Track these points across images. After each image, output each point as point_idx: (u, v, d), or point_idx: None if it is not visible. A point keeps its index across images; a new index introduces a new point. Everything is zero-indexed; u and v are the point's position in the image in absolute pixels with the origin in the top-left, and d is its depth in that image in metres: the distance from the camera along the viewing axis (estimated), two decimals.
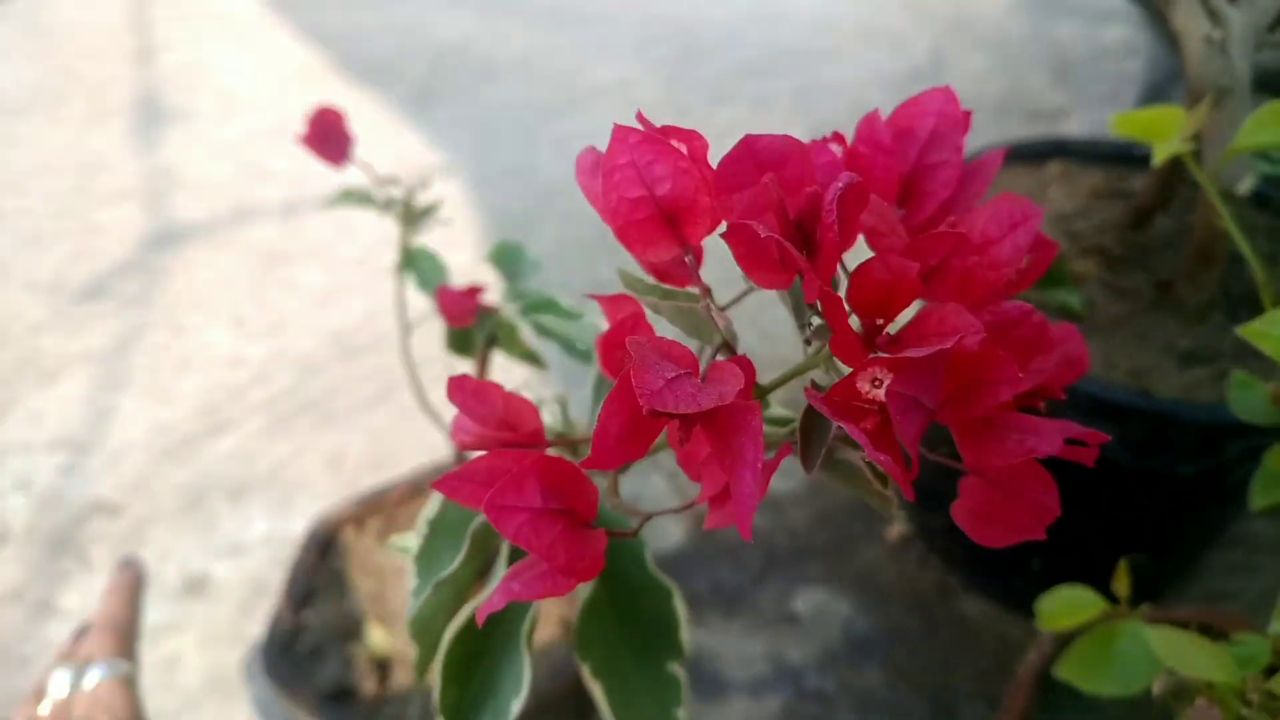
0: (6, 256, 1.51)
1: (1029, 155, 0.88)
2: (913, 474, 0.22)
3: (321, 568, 0.88)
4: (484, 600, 0.27)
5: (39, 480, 1.13)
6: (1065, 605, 0.52)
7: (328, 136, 0.62)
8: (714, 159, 0.26)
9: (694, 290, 0.28)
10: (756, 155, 0.25)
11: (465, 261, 1.12)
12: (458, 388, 0.29)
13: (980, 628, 0.91)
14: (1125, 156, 0.86)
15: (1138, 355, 0.73)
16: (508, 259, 0.60)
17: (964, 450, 0.24)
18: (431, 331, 0.66)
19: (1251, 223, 0.79)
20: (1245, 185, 0.69)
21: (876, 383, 0.22)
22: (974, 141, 0.29)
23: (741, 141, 0.26)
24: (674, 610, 0.46)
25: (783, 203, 0.24)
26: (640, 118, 0.27)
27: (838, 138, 0.27)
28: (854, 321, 0.23)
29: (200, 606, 0.98)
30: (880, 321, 0.23)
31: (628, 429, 0.23)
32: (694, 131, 0.27)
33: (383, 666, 0.81)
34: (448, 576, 0.41)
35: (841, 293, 0.23)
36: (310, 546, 0.89)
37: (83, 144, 1.82)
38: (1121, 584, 0.52)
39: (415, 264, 0.62)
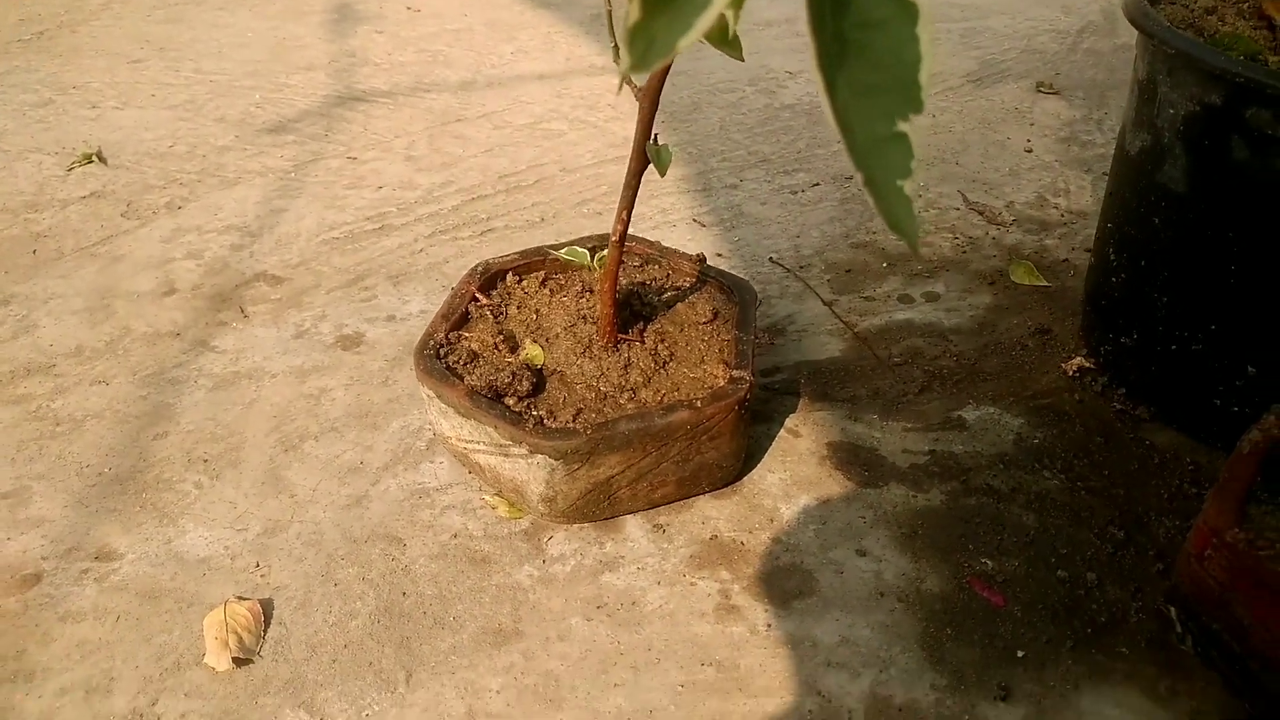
0: (202, 100, 1.59)
1: None
2: None
3: (480, 302, 0.87)
4: None
5: (209, 253, 1.16)
6: None
7: None
8: None
9: None
10: None
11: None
12: None
13: (1171, 455, 0.82)
14: None
15: None
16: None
17: None
18: None
19: None
20: None
21: None
22: None
23: None
24: (918, 44, 0.40)
25: None
26: None
27: None
28: None
29: (351, 357, 0.98)
30: None
31: None
32: None
33: (537, 377, 0.79)
34: None
35: None
36: (471, 278, 0.89)
37: (279, 30, 1.92)
38: None
39: None
